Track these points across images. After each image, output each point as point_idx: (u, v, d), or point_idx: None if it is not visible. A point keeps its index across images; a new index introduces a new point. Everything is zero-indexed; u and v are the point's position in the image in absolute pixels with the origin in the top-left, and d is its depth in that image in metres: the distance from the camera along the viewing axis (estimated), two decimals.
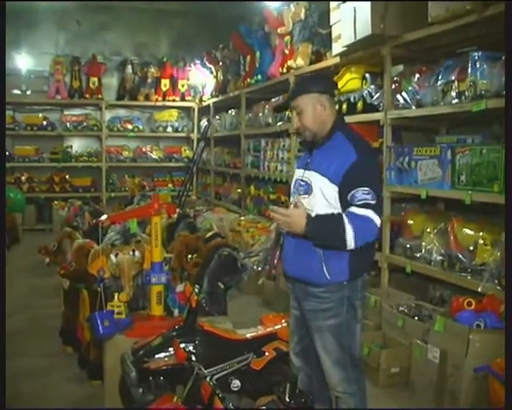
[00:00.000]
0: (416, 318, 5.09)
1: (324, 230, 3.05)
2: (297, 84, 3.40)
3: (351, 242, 2.98)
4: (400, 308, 5.30)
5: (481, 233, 4.72)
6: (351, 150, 3.09)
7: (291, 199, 3.39)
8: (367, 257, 3.37)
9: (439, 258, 5.07)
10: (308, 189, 3.18)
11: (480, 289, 4.44)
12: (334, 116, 3.27)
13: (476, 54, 4.51)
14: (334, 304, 3.19)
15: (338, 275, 3.16)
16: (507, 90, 3.52)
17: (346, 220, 2.99)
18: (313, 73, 3.26)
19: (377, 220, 3.05)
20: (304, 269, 3.24)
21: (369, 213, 3.01)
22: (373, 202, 3.02)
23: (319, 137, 3.25)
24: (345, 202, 3.07)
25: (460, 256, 4.84)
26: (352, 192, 3.03)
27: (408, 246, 5.50)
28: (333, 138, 3.20)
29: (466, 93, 4.63)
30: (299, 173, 3.36)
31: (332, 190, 3.10)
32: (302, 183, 3.25)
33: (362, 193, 3.01)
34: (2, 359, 3.44)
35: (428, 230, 5.30)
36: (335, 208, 3.11)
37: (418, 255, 5.32)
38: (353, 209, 3.03)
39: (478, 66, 4.47)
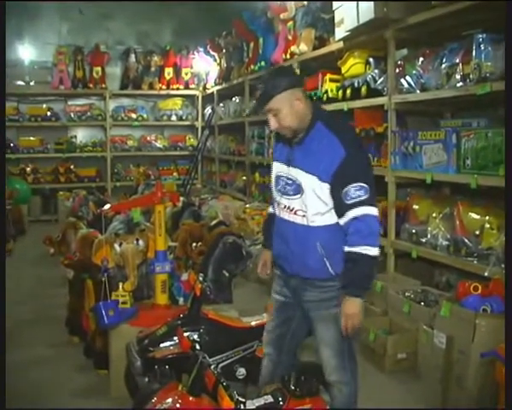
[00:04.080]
0: (422, 303, 5.07)
1: (362, 279, 3.04)
2: (266, 86, 3.17)
3: (374, 251, 2.97)
4: (406, 294, 5.29)
5: (487, 217, 4.69)
6: (338, 145, 2.99)
7: (277, 197, 3.27)
8: None
9: (445, 243, 5.05)
10: (298, 189, 3.09)
11: (486, 274, 4.42)
12: (311, 106, 3.16)
13: (481, 36, 4.47)
14: (336, 293, 3.14)
15: (340, 266, 3.10)
16: (507, 90, 3.48)
17: (358, 249, 2.95)
18: (277, 70, 3.09)
19: (374, 211, 2.99)
20: (306, 268, 3.18)
21: (366, 209, 2.95)
22: (367, 196, 2.95)
23: (300, 132, 3.14)
24: (338, 199, 3.01)
25: (466, 241, 4.81)
26: (345, 190, 2.96)
27: (413, 231, 5.48)
28: (314, 130, 3.09)
29: (470, 76, 4.59)
30: (280, 169, 3.24)
31: (324, 189, 3.02)
32: (289, 181, 3.15)
33: (354, 190, 2.94)
34: (2, 359, 3.44)
35: (434, 215, 5.27)
36: (328, 204, 3.06)
37: (424, 240, 5.30)
38: (352, 214, 2.97)
39: (482, 48, 4.44)
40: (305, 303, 3.27)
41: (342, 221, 3.03)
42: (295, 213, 3.15)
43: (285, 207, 3.20)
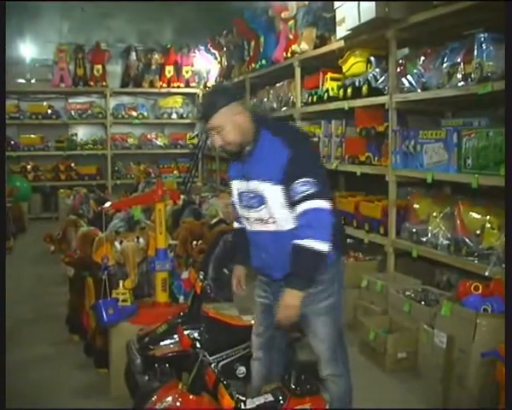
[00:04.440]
0: (423, 302, 5.06)
1: (304, 272, 3.00)
2: (205, 107, 3.21)
3: (321, 245, 2.92)
4: (407, 293, 5.28)
5: (488, 217, 4.68)
6: (282, 146, 3.01)
7: (244, 213, 3.28)
8: (339, 225, 3.36)
9: (446, 242, 5.05)
10: (261, 200, 3.10)
11: (487, 274, 4.41)
12: (253, 117, 3.17)
13: (482, 35, 4.46)
14: (325, 285, 3.18)
15: (329, 257, 3.10)
16: (507, 90, 3.48)
17: (302, 241, 2.93)
18: (213, 89, 3.09)
19: (322, 204, 2.95)
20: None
21: (311, 203, 2.93)
22: (313, 190, 2.93)
23: (246, 145, 3.15)
24: (289, 197, 3.02)
25: (467, 240, 4.81)
26: (292, 187, 2.97)
27: (414, 230, 5.48)
28: (261, 140, 3.10)
29: (472, 75, 4.59)
30: (240, 185, 3.25)
31: (281, 192, 3.03)
32: (251, 195, 3.15)
33: (300, 185, 2.94)
34: (2, 359, 3.44)
35: (435, 214, 5.27)
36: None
37: (424, 240, 5.30)
38: (298, 209, 2.97)
39: (484, 47, 4.43)
40: None
41: (294, 217, 3.03)
42: (266, 223, 3.16)
43: (255, 219, 3.21)
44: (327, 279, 3.17)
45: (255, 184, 3.11)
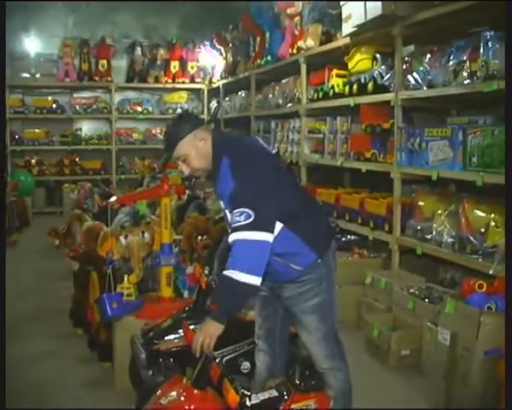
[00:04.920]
0: (427, 300, 5.06)
1: (224, 303, 2.99)
2: (169, 137, 3.24)
3: (242, 276, 2.87)
4: (411, 290, 5.28)
5: (493, 215, 4.68)
6: (230, 176, 3.01)
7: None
8: (321, 228, 3.33)
9: (450, 240, 5.05)
10: (229, 222, 3.13)
11: (491, 272, 4.42)
12: (215, 142, 3.18)
13: (488, 34, 4.46)
14: (312, 284, 3.19)
15: (307, 259, 3.15)
16: (507, 89, 3.47)
17: (225, 271, 2.91)
18: (176, 118, 3.10)
19: (255, 236, 2.89)
20: (278, 275, 3.22)
21: (241, 234, 2.90)
22: (244, 222, 2.89)
23: (211, 169, 3.19)
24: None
25: (471, 238, 4.81)
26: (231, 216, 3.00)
27: (419, 228, 5.48)
28: (221, 166, 3.09)
29: (478, 73, 4.59)
30: (220, 203, 3.29)
31: None
32: (224, 214, 3.22)
33: (235, 216, 2.92)
34: (2, 359, 3.44)
35: (439, 211, 5.27)
36: None
37: (429, 237, 5.30)
38: (230, 238, 2.97)
39: (490, 46, 4.43)
40: (285, 300, 3.31)
41: None
42: None
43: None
44: (314, 279, 3.19)
45: (223, 205, 3.19)
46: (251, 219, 2.89)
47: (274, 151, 3.56)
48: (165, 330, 4.02)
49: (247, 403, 3.02)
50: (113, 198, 4.92)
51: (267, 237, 2.92)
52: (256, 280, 2.90)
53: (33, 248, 9.46)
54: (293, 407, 3.09)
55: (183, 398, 3.07)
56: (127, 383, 4.22)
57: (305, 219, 3.19)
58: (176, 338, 3.96)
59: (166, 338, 3.99)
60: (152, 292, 4.89)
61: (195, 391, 3.08)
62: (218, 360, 3.37)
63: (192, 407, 3.02)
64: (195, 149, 3.14)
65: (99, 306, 4.41)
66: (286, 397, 3.11)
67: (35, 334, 5.74)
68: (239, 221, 2.90)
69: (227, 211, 3.11)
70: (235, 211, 2.93)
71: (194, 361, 3.22)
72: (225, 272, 2.91)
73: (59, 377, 4.84)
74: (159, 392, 3.18)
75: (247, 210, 2.90)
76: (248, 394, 3.08)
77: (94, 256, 4.93)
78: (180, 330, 3.89)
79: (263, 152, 3.31)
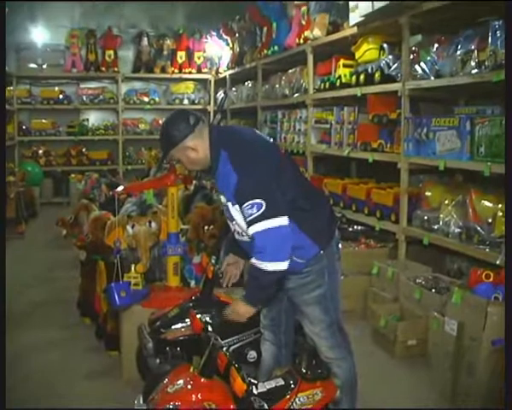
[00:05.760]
0: (434, 290, 5.06)
1: (254, 290, 3.09)
2: (163, 140, 3.24)
3: (266, 265, 2.94)
4: (418, 280, 5.28)
5: (500, 205, 4.67)
6: (232, 170, 3.01)
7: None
8: (324, 219, 3.32)
9: (457, 230, 5.04)
10: (230, 215, 3.15)
11: (498, 262, 4.40)
12: (213, 138, 3.17)
13: (497, 23, 4.43)
14: (315, 276, 3.21)
15: (310, 252, 3.16)
16: (507, 88, 3.46)
17: (253, 261, 2.98)
18: (168, 122, 3.08)
19: (270, 224, 2.92)
20: None
21: (258, 226, 2.93)
22: (259, 213, 2.91)
23: (209, 164, 3.20)
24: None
25: (478, 228, 4.80)
26: (242, 210, 3.00)
27: (426, 218, 5.47)
28: (221, 160, 3.09)
29: (486, 63, 4.56)
30: (220, 198, 3.30)
31: (239, 209, 3.06)
32: (225, 208, 3.21)
33: (247, 210, 2.95)
34: (3, 358, 3.46)
35: (446, 201, 5.25)
36: None
37: (436, 227, 5.29)
38: (249, 231, 2.99)
39: (498, 35, 4.40)
40: (288, 291, 3.33)
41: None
42: (242, 235, 3.22)
43: (233, 230, 3.29)
44: (316, 270, 3.21)
45: (224, 199, 3.18)
46: (263, 209, 2.91)
47: (271, 140, 3.51)
48: (172, 319, 4.04)
49: (254, 391, 3.03)
50: (120, 188, 4.91)
51: (283, 221, 2.95)
52: (283, 265, 2.96)
53: (41, 238, 9.50)
54: (299, 395, 3.10)
55: (189, 386, 3.08)
56: (134, 371, 4.24)
57: (307, 210, 3.19)
58: (183, 327, 3.98)
59: (173, 327, 4.00)
60: (159, 282, 4.90)
61: (202, 380, 3.09)
62: (224, 349, 3.38)
63: (199, 396, 3.03)
64: (186, 157, 3.17)
65: (107, 295, 4.43)
66: (292, 386, 3.12)
67: (42, 323, 5.77)
68: (252, 214, 2.92)
69: (229, 204, 3.10)
70: (246, 204, 2.94)
71: (201, 350, 3.24)
72: (253, 262, 2.97)
73: (66, 366, 4.86)
74: (166, 381, 3.19)
75: (257, 201, 2.92)
76: (255, 382, 3.09)
77: (101, 246, 4.94)
78: (187, 320, 3.90)
79: (261, 140, 3.31)
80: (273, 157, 3.19)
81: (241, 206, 3.00)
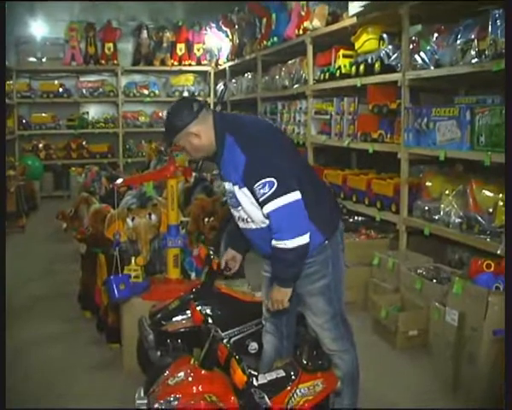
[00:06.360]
0: (435, 280, 5.05)
1: (282, 270, 3.08)
2: (166, 128, 3.28)
3: (286, 243, 2.95)
4: (418, 271, 5.27)
5: (501, 195, 4.65)
6: (240, 152, 3.02)
7: (231, 209, 3.33)
8: (328, 209, 3.34)
9: (458, 220, 5.03)
10: (236, 201, 3.15)
11: (499, 252, 4.40)
12: (216, 123, 3.17)
13: (497, 11, 4.40)
14: (319, 266, 3.21)
15: (314, 241, 3.12)
16: (507, 88, 3.44)
17: (274, 243, 3.00)
18: (172, 110, 3.09)
19: (283, 201, 2.94)
20: None
21: (272, 205, 2.94)
22: (271, 192, 2.93)
23: (213, 150, 3.19)
24: (256, 198, 3.04)
25: (479, 218, 4.79)
26: (254, 191, 3.00)
27: (426, 208, 5.46)
28: (226, 144, 3.11)
29: (486, 52, 4.54)
30: (224, 184, 3.31)
31: (247, 193, 3.06)
32: (230, 195, 3.21)
33: (259, 189, 2.95)
34: (3, 358, 3.45)
35: (447, 192, 5.24)
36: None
37: (437, 218, 5.28)
38: (264, 211, 3.00)
39: (499, 24, 4.37)
40: None
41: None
42: (247, 222, 3.22)
43: (238, 218, 3.28)
44: (320, 261, 3.20)
45: (228, 186, 3.18)
46: (276, 186, 2.92)
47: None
48: (173, 311, 4.04)
49: (255, 383, 3.03)
50: (120, 180, 4.90)
51: (296, 195, 2.96)
52: (304, 239, 2.96)
53: (41, 232, 9.51)
54: (300, 386, 3.10)
55: (190, 378, 3.08)
56: (135, 364, 4.25)
57: (312, 197, 3.16)
58: (183, 319, 3.98)
59: (174, 319, 4.01)
60: (159, 274, 4.90)
61: (203, 372, 3.09)
62: (225, 341, 3.38)
63: (199, 388, 3.03)
64: (189, 143, 3.17)
65: (106, 288, 4.42)
66: (293, 377, 3.11)
67: (43, 317, 5.77)
68: (265, 193, 2.94)
69: (236, 188, 3.09)
70: (258, 184, 2.95)
71: (201, 342, 3.23)
72: (274, 243, 2.98)
73: (67, 359, 4.87)
74: (166, 373, 3.19)
75: (268, 179, 2.93)
76: (255, 374, 3.08)
77: (101, 239, 4.94)
78: (188, 312, 3.90)
79: (266, 123, 3.34)
80: (279, 137, 3.25)
81: (251, 187, 3.00)
